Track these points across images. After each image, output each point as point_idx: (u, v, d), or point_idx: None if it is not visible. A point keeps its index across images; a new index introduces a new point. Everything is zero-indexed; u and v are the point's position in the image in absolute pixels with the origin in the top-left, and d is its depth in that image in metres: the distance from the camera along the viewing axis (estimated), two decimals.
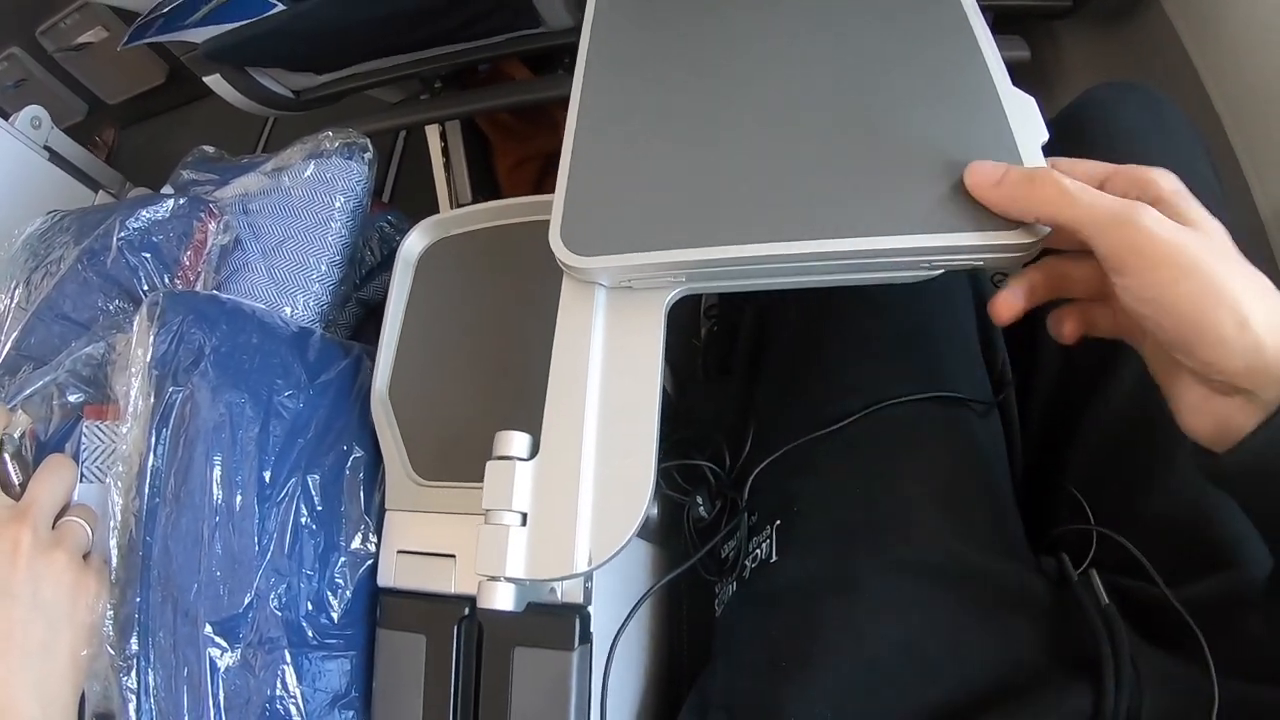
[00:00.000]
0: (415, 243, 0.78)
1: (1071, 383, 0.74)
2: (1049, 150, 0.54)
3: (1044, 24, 1.33)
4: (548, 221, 0.59)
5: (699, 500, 0.78)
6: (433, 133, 1.46)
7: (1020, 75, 0.58)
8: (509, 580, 0.52)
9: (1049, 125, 0.56)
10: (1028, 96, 0.56)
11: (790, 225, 0.53)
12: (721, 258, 0.53)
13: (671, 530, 0.81)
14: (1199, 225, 0.46)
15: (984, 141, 0.54)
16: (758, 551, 0.70)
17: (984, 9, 0.68)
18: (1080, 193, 0.47)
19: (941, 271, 0.54)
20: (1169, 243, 0.45)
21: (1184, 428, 0.50)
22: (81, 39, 1.92)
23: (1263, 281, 0.46)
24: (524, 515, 0.54)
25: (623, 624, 0.66)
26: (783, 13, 0.66)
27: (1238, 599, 0.57)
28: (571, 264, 0.56)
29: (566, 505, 0.54)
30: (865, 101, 0.58)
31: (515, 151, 1.51)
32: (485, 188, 1.49)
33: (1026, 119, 0.55)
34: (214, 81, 1.22)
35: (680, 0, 0.70)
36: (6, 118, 1.59)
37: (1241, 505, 0.51)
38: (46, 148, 1.64)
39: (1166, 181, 0.49)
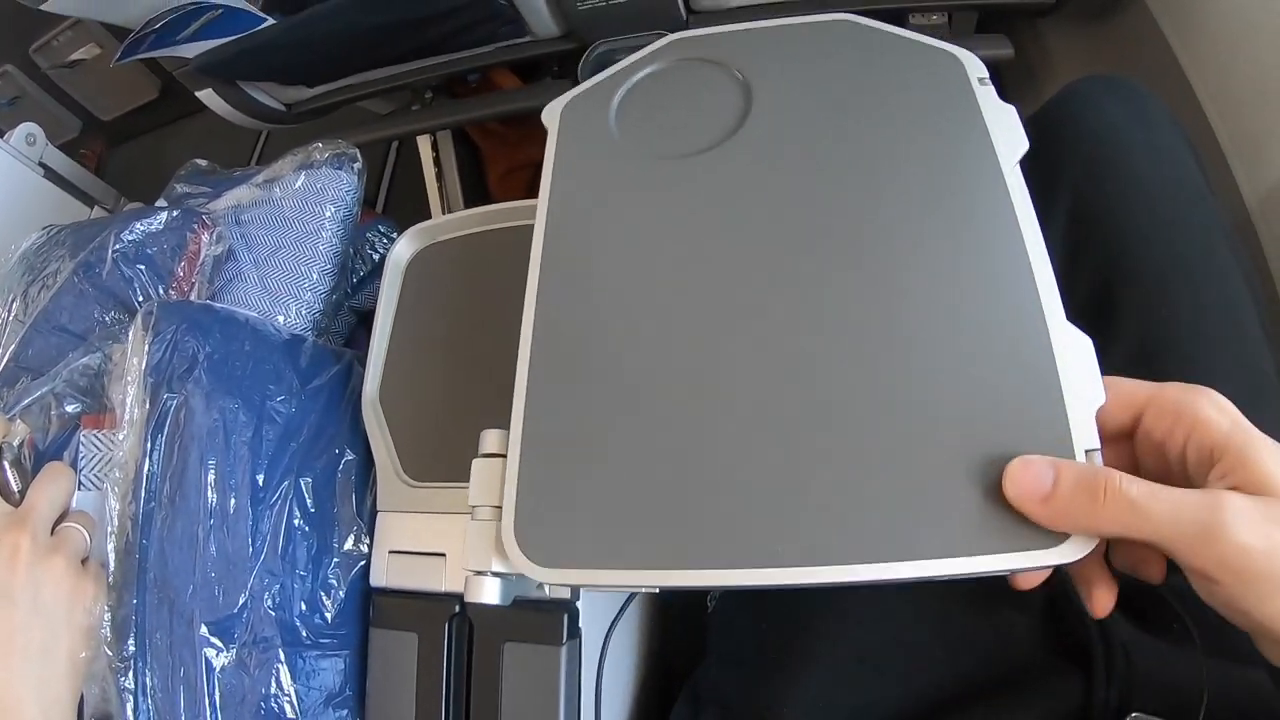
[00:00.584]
0: (403, 250, 0.79)
1: None
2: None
3: (1028, 21, 1.33)
4: (530, 226, 0.59)
5: None
6: (424, 143, 1.47)
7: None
8: (495, 575, 0.53)
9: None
10: (1084, 339, 0.46)
11: (775, 547, 0.44)
12: (696, 585, 0.45)
13: None
14: (1274, 488, 0.39)
15: (1024, 420, 0.44)
16: None
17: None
18: (1151, 504, 0.40)
19: None
20: (1262, 557, 0.38)
21: (1265, 656, 0.44)
22: (75, 56, 1.91)
23: None
24: None
25: (614, 619, 0.67)
26: (776, 227, 0.55)
27: None
28: (530, 575, 0.48)
29: None
30: (878, 369, 0.48)
31: (506, 159, 1.52)
32: (477, 196, 1.50)
33: (1080, 373, 0.45)
34: (207, 96, 1.22)
35: (651, 211, 0.59)
36: (1, 135, 1.60)
37: None
38: (41, 164, 1.65)
39: (1220, 417, 0.42)
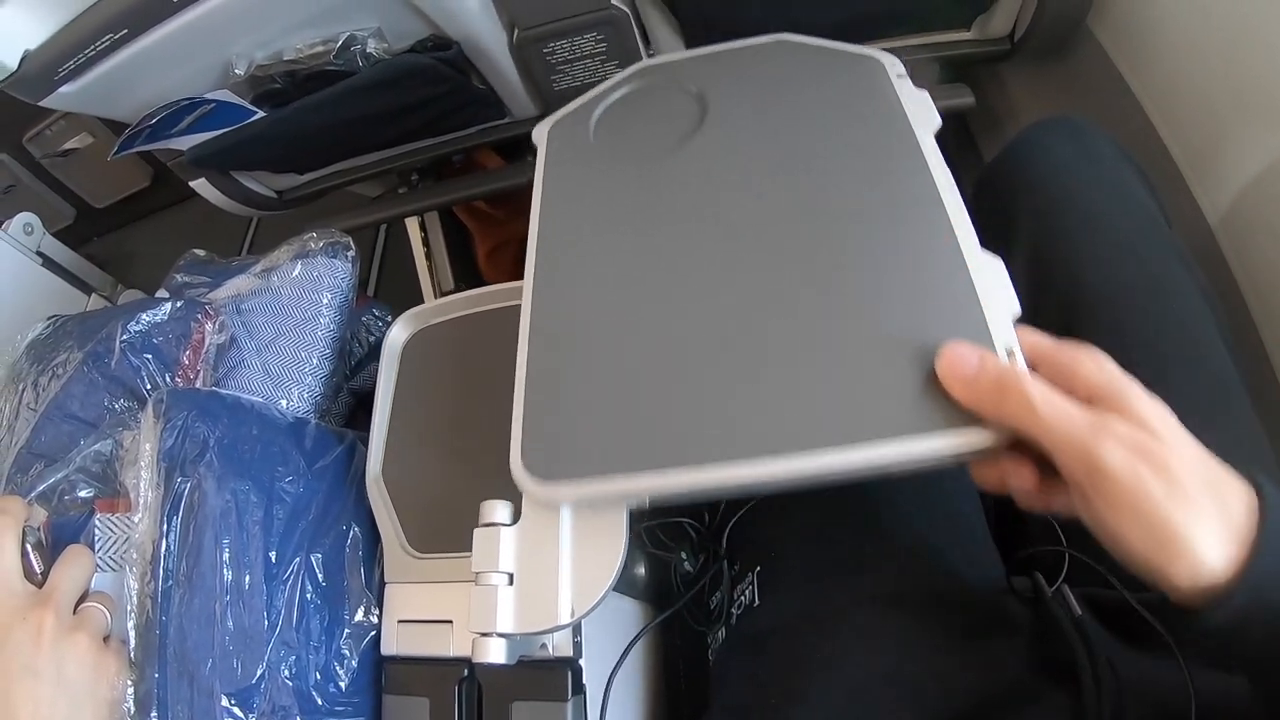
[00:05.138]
0: (398, 334, 0.83)
1: None
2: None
3: (989, 68, 1.37)
4: (517, 306, 0.63)
5: (684, 556, 0.81)
6: (413, 224, 1.49)
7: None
8: (500, 635, 0.56)
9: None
10: (996, 260, 0.54)
11: (753, 443, 0.51)
12: (683, 482, 0.52)
13: (664, 588, 0.84)
14: (1159, 439, 0.45)
15: (951, 320, 0.52)
16: (742, 598, 0.72)
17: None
18: (1046, 408, 0.46)
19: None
20: (1127, 485, 0.44)
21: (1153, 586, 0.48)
22: (68, 145, 1.92)
23: (1215, 498, 0.45)
24: (510, 575, 0.58)
25: (614, 668, 0.69)
26: (732, 201, 0.64)
27: None
28: (534, 492, 0.56)
29: (548, 564, 0.58)
30: (824, 297, 0.56)
31: (493, 237, 1.55)
32: (466, 274, 1.52)
33: (995, 287, 0.53)
34: (200, 186, 1.25)
35: (628, 198, 0.69)
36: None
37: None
38: (39, 253, 1.67)
39: (1099, 372, 0.48)
